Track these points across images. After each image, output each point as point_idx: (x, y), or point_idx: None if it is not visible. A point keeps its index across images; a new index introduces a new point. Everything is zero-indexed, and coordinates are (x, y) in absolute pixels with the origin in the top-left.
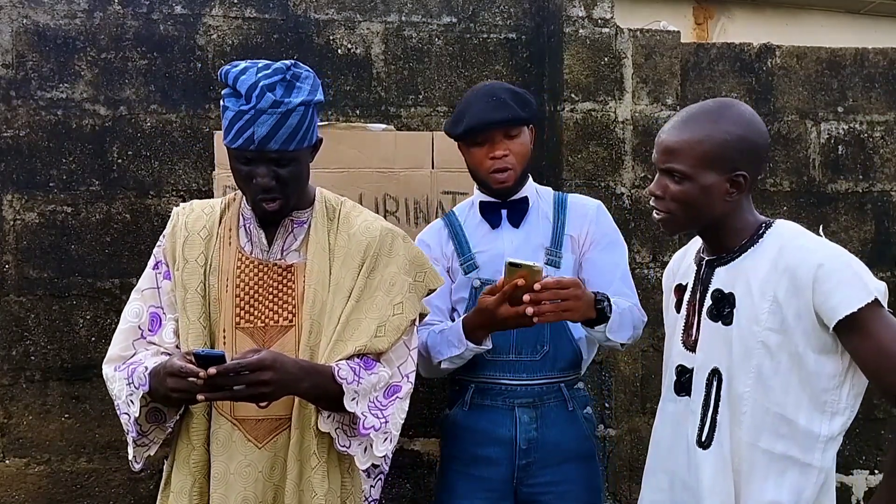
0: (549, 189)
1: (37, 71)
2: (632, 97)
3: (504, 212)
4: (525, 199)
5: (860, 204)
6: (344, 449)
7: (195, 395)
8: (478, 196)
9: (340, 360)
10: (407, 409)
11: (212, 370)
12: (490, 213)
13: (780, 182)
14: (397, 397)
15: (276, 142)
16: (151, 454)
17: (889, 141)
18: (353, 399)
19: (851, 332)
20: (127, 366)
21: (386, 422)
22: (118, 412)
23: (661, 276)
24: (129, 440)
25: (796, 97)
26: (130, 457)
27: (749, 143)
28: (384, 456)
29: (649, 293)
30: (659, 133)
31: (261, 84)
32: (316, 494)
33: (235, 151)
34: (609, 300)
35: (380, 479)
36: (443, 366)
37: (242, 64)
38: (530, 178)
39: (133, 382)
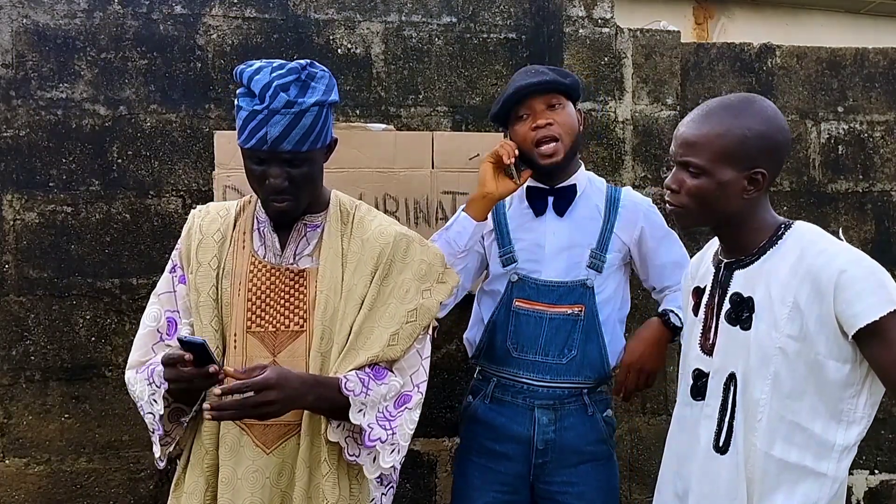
0: (603, 180)
1: (37, 71)
2: (632, 97)
3: (550, 199)
4: (573, 188)
5: (860, 204)
6: (353, 458)
7: (188, 381)
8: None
9: (352, 370)
10: (417, 419)
11: (217, 389)
12: (536, 199)
13: (780, 182)
14: (407, 408)
15: (290, 142)
16: (171, 451)
17: (889, 141)
18: (360, 411)
19: (872, 341)
20: (146, 368)
21: (393, 433)
22: (141, 413)
23: None
24: (155, 439)
25: (796, 97)
26: (157, 456)
27: (769, 140)
28: (392, 467)
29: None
30: (678, 126)
31: (274, 84)
32: (327, 501)
33: (249, 151)
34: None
35: (391, 487)
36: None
37: (257, 63)
38: (583, 167)
39: (154, 382)
